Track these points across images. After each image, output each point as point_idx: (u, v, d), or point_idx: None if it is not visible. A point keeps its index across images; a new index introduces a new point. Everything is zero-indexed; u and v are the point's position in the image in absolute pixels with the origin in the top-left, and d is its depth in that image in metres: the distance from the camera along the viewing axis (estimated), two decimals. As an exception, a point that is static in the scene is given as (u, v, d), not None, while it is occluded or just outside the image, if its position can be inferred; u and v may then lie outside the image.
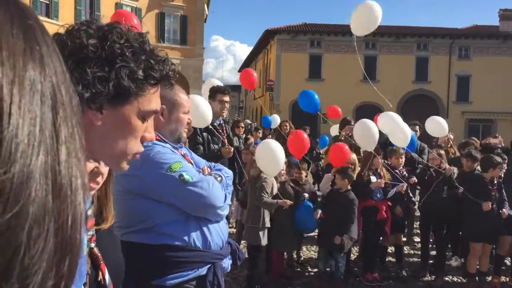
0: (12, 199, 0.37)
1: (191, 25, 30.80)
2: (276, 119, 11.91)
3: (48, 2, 23.54)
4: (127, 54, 1.00)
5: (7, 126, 0.37)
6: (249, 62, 51.91)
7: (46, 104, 0.41)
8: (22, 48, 0.40)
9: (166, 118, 2.27)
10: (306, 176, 6.08)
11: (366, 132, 5.52)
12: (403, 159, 6.21)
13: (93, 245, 1.60)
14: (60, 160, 0.42)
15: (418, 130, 8.07)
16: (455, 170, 6.04)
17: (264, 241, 5.26)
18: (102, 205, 1.66)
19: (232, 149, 4.61)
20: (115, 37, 1.01)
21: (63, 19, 22.49)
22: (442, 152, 6.27)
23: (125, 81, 0.99)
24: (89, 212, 1.63)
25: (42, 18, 22.73)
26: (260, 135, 10.64)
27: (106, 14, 25.93)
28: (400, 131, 5.64)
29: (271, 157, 4.43)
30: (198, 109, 4.23)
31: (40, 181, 0.39)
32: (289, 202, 5.22)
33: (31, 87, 0.40)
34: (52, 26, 19.86)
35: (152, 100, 1.09)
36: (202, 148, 4.80)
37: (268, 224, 5.26)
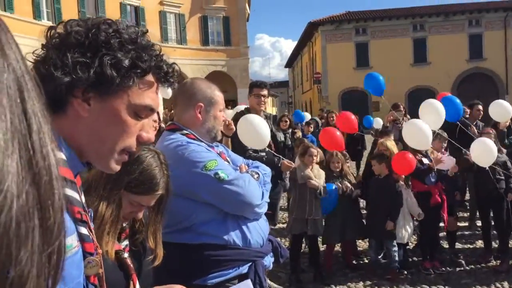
0: None
1: (234, 26, 30.99)
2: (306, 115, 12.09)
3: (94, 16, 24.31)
4: (112, 42, 0.98)
5: None
6: (294, 57, 51.65)
7: (14, 95, 0.40)
8: None
9: (204, 116, 2.27)
10: (340, 166, 5.83)
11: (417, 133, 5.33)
12: (445, 143, 5.98)
13: (126, 255, 1.62)
14: (35, 151, 0.41)
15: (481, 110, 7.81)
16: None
17: (310, 231, 5.23)
18: (154, 245, 1.69)
19: (293, 164, 4.53)
20: (104, 26, 0.99)
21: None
22: (490, 131, 5.99)
23: (108, 68, 0.96)
24: (124, 224, 1.66)
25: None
26: (312, 129, 10.48)
27: (149, 25, 26.61)
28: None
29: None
30: (255, 129, 4.02)
31: (19, 174, 0.39)
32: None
33: None
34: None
35: (146, 95, 1.05)
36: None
37: (316, 215, 5.20)
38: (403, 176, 5.42)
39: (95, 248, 1.05)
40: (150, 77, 1.06)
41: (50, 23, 21.66)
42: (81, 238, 1.01)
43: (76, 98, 0.97)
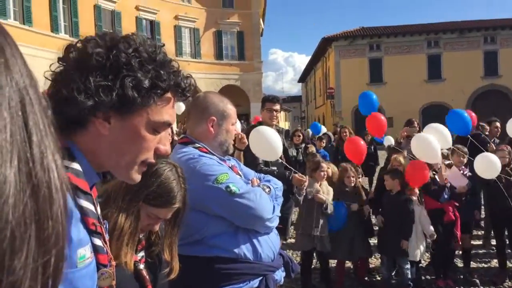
0: None
1: (248, 40, 31.27)
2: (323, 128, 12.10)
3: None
4: (133, 63, 0.99)
5: None
6: (308, 71, 51.78)
7: (15, 108, 0.40)
8: None
9: (216, 130, 2.28)
10: (355, 181, 5.68)
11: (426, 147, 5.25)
12: (465, 159, 5.87)
13: (142, 266, 1.63)
14: (34, 162, 0.41)
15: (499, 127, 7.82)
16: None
17: (318, 247, 5.20)
18: (170, 258, 1.71)
19: (305, 178, 4.50)
20: (123, 46, 1.01)
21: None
22: (505, 148, 5.91)
23: (129, 90, 0.98)
24: (140, 236, 1.67)
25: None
26: (324, 144, 10.49)
27: (164, 39, 26.95)
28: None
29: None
30: (267, 141, 4.01)
31: (17, 186, 0.39)
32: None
33: None
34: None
35: (164, 111, 1.07)
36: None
37: (323, 232, 5.17)
38: (417, 192, 5.35)
39: (109, 259, 1.06)
40: (168, 94, 1.08)
41: (67, 36, 22.07)
42: (95, 249, 1.01)
43: (97, 118, 1.00)
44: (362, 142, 6.01)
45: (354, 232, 5.41)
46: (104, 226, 1.08)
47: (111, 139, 1.02)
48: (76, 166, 0.97)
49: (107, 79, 0.97)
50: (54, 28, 21.61)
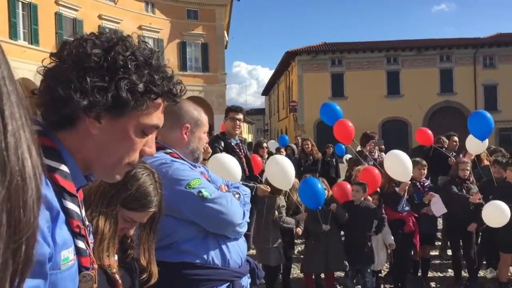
0: None
1: (212, 52, 31.37)
2: (273, 145, 12.55)
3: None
4: (129, 66, 1.01)
5: None
6: (271, 85, 52.28)
7: None
8: None
9: (189, 137, 2.32)
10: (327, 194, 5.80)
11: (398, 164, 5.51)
12: (425, 171, 6.09)
13: (114, 270, 1.63)
14: (8, 151, 0.42)
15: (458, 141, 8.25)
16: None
17: (275, 262, 5.25)
18: (147, 263, 1.75)
19: (269, 189, 4.62)
20: (121, 49, 1.02)
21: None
22: (467, 161, 6.21)
23: (124, 92, 1.00)
24: (116, 240, 1.68)
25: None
26: (284, 153, 10.66)
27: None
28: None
29: (281, 171, 4.37)
30: (225, 166, 4.17)
31: None
32: (304, 215, 5.29)
33: None
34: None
35: (154, 115, 1.09)
36: None
37: (278, 244, 5.24)
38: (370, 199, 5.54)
39: (91, 262, 1.06)
40: (159, 99, 1.11)
41: (26, 43, 21.51)
42: (78, 252, 1.02)
43: (88, 117, 1.01)
44: (350, 124, 6.34)
45: (328, 245, 5.27)
46: (88, 228, 1.09)
47: (100, 139, 1.03)
48: (64, 168, 0.98)
49: (104, 80, 0.99)
50: (13, 35, 21.04)
